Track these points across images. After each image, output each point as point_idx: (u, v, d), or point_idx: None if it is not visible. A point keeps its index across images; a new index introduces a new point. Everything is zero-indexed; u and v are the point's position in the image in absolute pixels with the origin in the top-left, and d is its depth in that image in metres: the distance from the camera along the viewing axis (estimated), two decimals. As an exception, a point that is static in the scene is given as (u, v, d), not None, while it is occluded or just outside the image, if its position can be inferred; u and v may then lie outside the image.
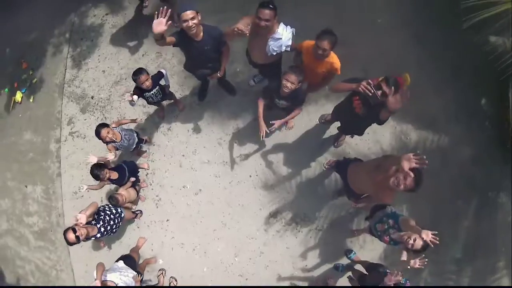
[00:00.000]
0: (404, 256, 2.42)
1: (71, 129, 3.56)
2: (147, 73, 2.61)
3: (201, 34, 2.33)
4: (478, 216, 3.64)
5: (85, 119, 3.50)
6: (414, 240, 2.04)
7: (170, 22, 2.14)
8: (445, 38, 3.74)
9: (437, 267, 3.53)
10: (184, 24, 2.19)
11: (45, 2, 4.48)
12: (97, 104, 3.49)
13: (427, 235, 1.93)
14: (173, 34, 2.36)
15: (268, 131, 2.60)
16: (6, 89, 4.49)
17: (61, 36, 4.14)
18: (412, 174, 1.83)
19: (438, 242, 1.99)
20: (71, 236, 2.45)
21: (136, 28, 3.68)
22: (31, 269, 4.06)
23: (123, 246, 3.28)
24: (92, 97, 3.54)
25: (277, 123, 2.60)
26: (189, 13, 2.15)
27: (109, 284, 2.51)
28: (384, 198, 2.15)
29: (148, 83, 2.60)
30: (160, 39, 2.17)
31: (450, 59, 3.64)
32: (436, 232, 2.00)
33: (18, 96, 4.25)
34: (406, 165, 1.83)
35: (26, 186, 4.02)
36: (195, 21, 2.19)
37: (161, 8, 2.08)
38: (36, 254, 3.99)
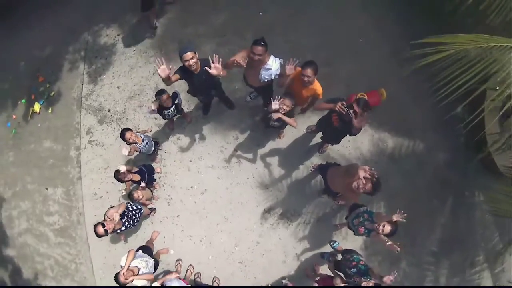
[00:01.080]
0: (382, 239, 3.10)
1: (90, 138, 4.28)
2: (168, 94, 3.35)
3: (199, 68, 2.92)
4: (455, 214, 4.34)
5: (102, 129, 4.22)
6: (384, 226, 2.73)
7: (171, 66, 2.81)
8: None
9: (415, 259, 4.26)
10: (186, 63, 2.80)
11: (56, 20, 5.15)
12: (114, 116, 4.21)
13: (397, 216, 2.64)
14: (176, 71, 2.96)
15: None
16: (24, 100, 5.17)
17: (76, 53, 4.85)
18: (364, 180, 2.56)
19: (404, 220, 2.68)
20: (100, 230, 3.17)
21: (146, 49, 4.39)
22: (50, 264, 4.76)
23: (138, 239, 4.00)
24: (109, 110, 4.26)
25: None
26: (189, 54, 2.77)
27: (133, 269, 3.26)
28: (351, 197, 2.91)
29: (168, 101, 3.34)
30: (168, 80, 2.83)
31: (429, 72, 4.44)
32: (403, 212, 2.66)
33: (37, 107, 4.94)
34: (361, 174, 2.57)
35: (46, 189, 4.73)
36: (194, 60, 2.80)
37: (156, 60, 2.75)
38: (56, 250, 4.68)
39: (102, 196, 4.10)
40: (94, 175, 4.16)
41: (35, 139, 4.80)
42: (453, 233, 4.16)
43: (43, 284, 4.95)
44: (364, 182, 2.50)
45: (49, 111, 4.73)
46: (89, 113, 4.33)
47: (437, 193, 4.21)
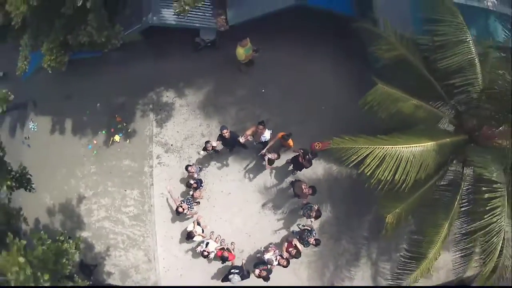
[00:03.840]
0: (313, 222, 7.17)
1: (159, 161, 7.91)
2: (213, 145, 7.25)
3: (229, 136, 6.76)
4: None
5: (168, 156, 7.83)
6: (313, 213, 6.77)
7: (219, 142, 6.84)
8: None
9: (352, 239, 8.38)
10: (223, 135, 6.57)
11: (126, 76, 8.82)
12: (175, 149, 7.83)
13: (316, 207, 6.80)
14: (218, 138, 6.76)
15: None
16: (104, 131, 8.80)
17: (145, 105, 8.54)
18: (306, 190, 6.68)
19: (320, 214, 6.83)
20: (180, 209, 7.02)
21: (194, 108, 8.03)
22: (122, 239, 8.36)
23: (189, 220, 7.84)
24: (172, 145, 7.92)
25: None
26: (225, 131, 6.55)
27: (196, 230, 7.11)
28: (304, 197, 6.99)
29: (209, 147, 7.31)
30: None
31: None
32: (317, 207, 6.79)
33: (117, 137, 8.59)
34: (302, 187, 6.69)
35: (125, 190, 8.38)
36: (228, 133, 6.56)
37: (209, 145, 6.77)
38: (129, 229, 8.30)
39: (167, 196, 7.84)
40: (162, 183, 7.82)
41: (115, 158, 8.46)
42: (379, 227, 7.52)
43: (112, 254, 8.58)
44: (307, 190, 6.62)
45: (127, 142, 8.42)
46: (158, 145, 8.07)
47: (365, 199, 8.25)
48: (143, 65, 8.42)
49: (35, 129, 10.03)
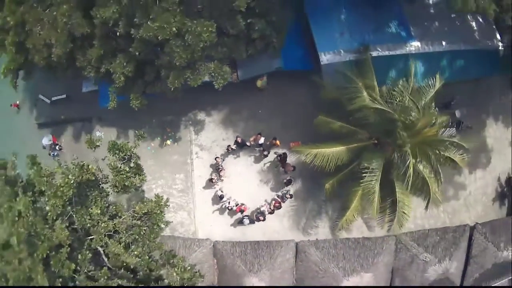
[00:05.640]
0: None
1: (197, 156, 13.02)
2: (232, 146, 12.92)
3: (241, 141, 12.45)
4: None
5: (202, 152, 12.93)
6: (287, 180, 12.67)
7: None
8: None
9: (315, 200, 13.72)
10: (237, 140, 12.15)
11: (171, 106, 14.25)
12: (206, 148, 12.91)
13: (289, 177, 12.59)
14: (234, 142, 12.38)
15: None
16: (159, 137, 14.34)
17: (186, 122, 13.93)
18: (285, 166, 12.55)
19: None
20: (211, 180, 12.64)
21: (218, 123, 13.29)
22: (173, 205, 13.45)
23: (215, 190, 13.39)
24: (204, 145, 12.97)
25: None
26: (239, 138, 12.10)
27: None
28: (288, 171, 12.80)
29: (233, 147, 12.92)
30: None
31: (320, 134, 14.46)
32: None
33: (168, 141, 13.95)
34: (286, 165, 12.60)
35: (175, 174, 13.72)
36: (240, 139, 12.10)
37: (229, 147, 12.61)
38: (177, 198, 13.61)
39: (202, 176, 13.19)
40: (199, 169, 12.91)
41: (168, 155, 13.78)
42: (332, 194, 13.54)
43: (166, 216, 14.00)
44: (290, 167, 12.32)
45: (176, 144, 13.81)
46: (196, 146, 13.24)
47: (324, 176, 14.15)
48: (184, 96, 13.92)
49: (102, 136, 15.20)
